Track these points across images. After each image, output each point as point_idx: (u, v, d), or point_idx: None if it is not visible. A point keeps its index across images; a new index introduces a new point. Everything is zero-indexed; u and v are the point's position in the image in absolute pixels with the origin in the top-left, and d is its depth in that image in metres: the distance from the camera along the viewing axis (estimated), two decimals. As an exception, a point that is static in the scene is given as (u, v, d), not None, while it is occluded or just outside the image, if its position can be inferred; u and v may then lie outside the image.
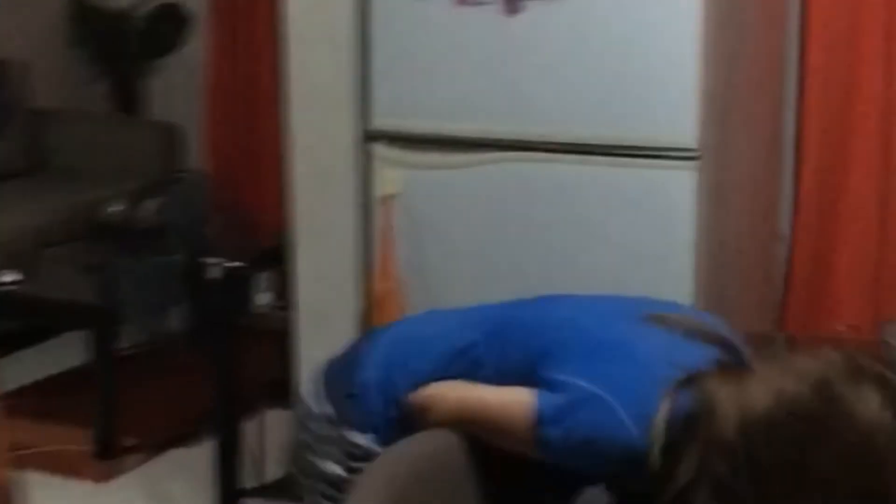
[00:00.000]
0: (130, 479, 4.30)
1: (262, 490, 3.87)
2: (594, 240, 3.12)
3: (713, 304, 3.06)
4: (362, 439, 2.07)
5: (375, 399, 2.07)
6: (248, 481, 3.91)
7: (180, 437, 4.52)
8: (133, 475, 4.33)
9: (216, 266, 3.53)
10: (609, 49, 3.06)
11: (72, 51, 5.85)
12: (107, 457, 4.38)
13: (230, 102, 5.32)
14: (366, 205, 3.42)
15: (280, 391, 3.78)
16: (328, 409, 2.12)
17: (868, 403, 1.57)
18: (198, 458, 4.23)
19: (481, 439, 1.99)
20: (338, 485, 2.08)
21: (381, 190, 3.38)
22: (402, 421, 2.04)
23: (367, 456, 2.04)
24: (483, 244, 3.29)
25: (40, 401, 4.78)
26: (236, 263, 3.54)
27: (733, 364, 1.75)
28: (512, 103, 3.21)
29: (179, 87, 5.61)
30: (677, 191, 2.99)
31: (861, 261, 3.63)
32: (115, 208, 4.55)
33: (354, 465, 2.06)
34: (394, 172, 3.37)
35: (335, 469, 2.10)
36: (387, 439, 2.02)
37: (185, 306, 3.59)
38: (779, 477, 1.58)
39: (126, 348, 4.16)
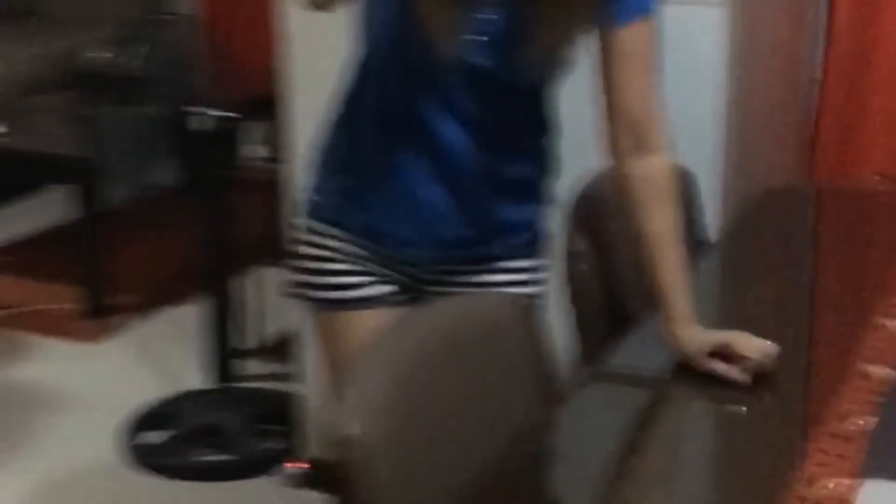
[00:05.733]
0: (120, 339, 4.18)
1: (258, 351, 3.74)
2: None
3: (739, 153, 2.92)
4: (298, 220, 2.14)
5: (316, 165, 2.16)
6: (242, 342, 3.77)
7: (171, 296, 4.39)
8: (123, 335, 4.20)
9: (204, 116, 3.37)
10: None
11: None
12: (96, 316, 4.26)
13: (219, -58, 5.08)
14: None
15: (273, 247, 3.63)
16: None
17: None
18: (189, 317, 4.09)
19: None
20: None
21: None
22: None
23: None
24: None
25: (26, 258, 4.65)
26: (226, 113, 3.38)
27: None
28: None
29: (166, -73, 5.37)
30: (707, 31, 2.83)
31: (894, 107, 3.45)
32: (98, 55, 4.36)
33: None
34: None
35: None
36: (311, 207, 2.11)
37: (173, 159, 3.43)
38: None
39: (114, 203, 4.01)
